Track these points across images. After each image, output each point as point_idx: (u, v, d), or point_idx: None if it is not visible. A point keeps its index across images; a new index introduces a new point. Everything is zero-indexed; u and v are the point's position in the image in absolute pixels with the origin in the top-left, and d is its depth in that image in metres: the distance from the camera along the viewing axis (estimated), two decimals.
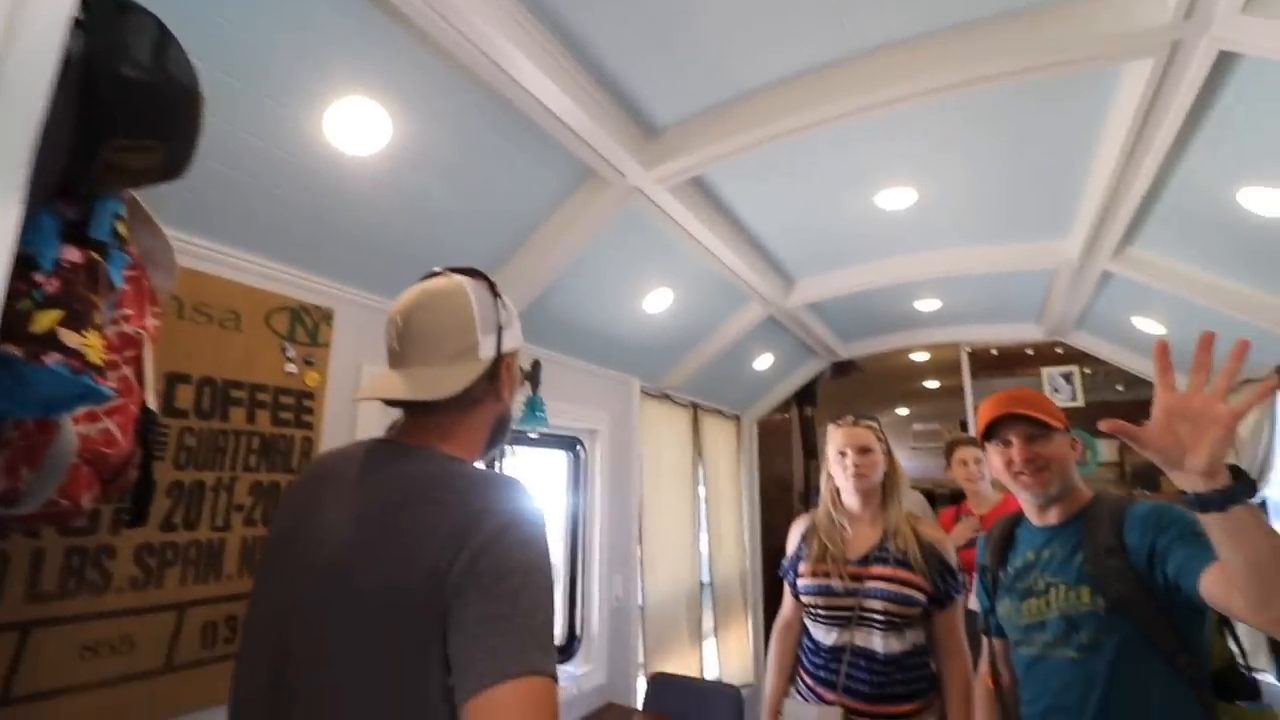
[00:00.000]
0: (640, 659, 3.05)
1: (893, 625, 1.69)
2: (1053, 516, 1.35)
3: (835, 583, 1.76)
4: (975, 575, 1.62)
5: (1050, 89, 1.66)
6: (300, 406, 1.59)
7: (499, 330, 0.92)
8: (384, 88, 1.37)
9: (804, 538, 1.92)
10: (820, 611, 1.78)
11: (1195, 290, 2.45)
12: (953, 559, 1.78)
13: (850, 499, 1.85)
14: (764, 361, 3.99)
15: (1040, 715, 1.28)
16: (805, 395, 4.92)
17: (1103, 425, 0.97)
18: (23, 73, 0.54)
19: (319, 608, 0.78)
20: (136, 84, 0.64)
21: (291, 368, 1.58)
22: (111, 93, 0.63)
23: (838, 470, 1.87)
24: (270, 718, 0.78)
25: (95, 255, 0.70)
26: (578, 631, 2.77)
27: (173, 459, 1.36)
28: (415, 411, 0.91)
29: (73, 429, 0.79)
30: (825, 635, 1.78)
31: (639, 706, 2.65)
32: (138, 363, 0.90)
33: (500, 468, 2.41)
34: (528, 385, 2.36)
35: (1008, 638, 1.41)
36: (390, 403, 0.90)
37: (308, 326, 1.63)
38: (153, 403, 0.93)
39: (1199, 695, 1.12)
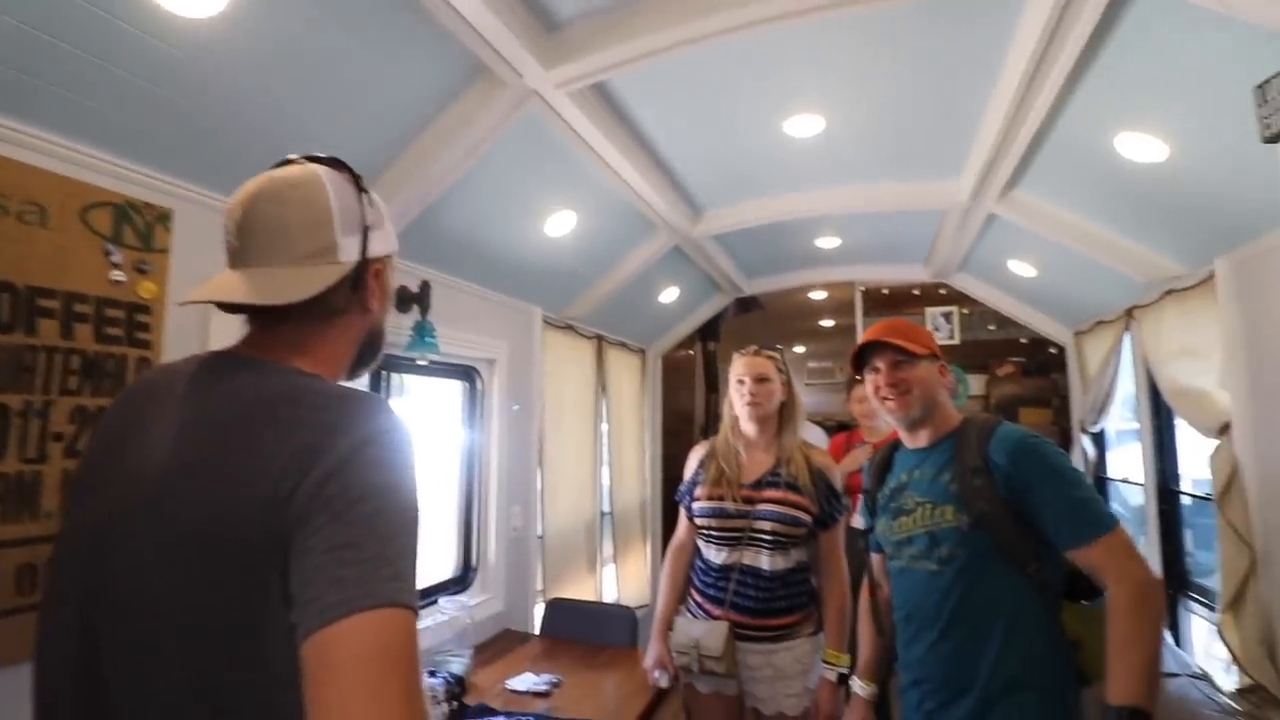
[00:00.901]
0: (540, 586, 3.07)
1: (779, 545, 1.77)
2: (922, 439, 1.41)
3: (729, 505, 1.82)
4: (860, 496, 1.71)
5: (955, 15, 1.64)
6: (132, 321, 1.36)
7: (364, 230, 0.79)
8: None
9: (702, 463, 1.95)
10: (713, 533, 1.84)
11: (1067, 234, 2.62)
12: (838, 483, 1.87)
13: (747, 425, 1.89)
14: (670, 295, 3.97)
15: (904, 620, 1.39)
16: (709, 331, 4.98)
17: None
18: None
19: (135, 545, 0.66)
20: None
21: (118, 275, 1.34)
22: None
23: (736, 397, 1.89)
24: (80, 675, 0.67)
25: None
26: (474, 562, 2.72)
27: None
28: (263, 322, 0.78)
29: None
30: (716, 555, 1.84)
31: (536, 632, 2.68)
32: None
33: (384, 397, 2.26)
34: (416, 308, 2.18)
35: (885, 552, 1.49)
36: (229, 309, 0.76)
37: (138, 227, 1.38)
38: None
39: (1045, 599, 1.22)
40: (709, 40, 1.62)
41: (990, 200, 2.59)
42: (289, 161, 0.81)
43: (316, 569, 0.59)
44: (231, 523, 0.62)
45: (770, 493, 1.80)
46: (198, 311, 1.43)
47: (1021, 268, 3.39)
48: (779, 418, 1.89)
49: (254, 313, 0.78)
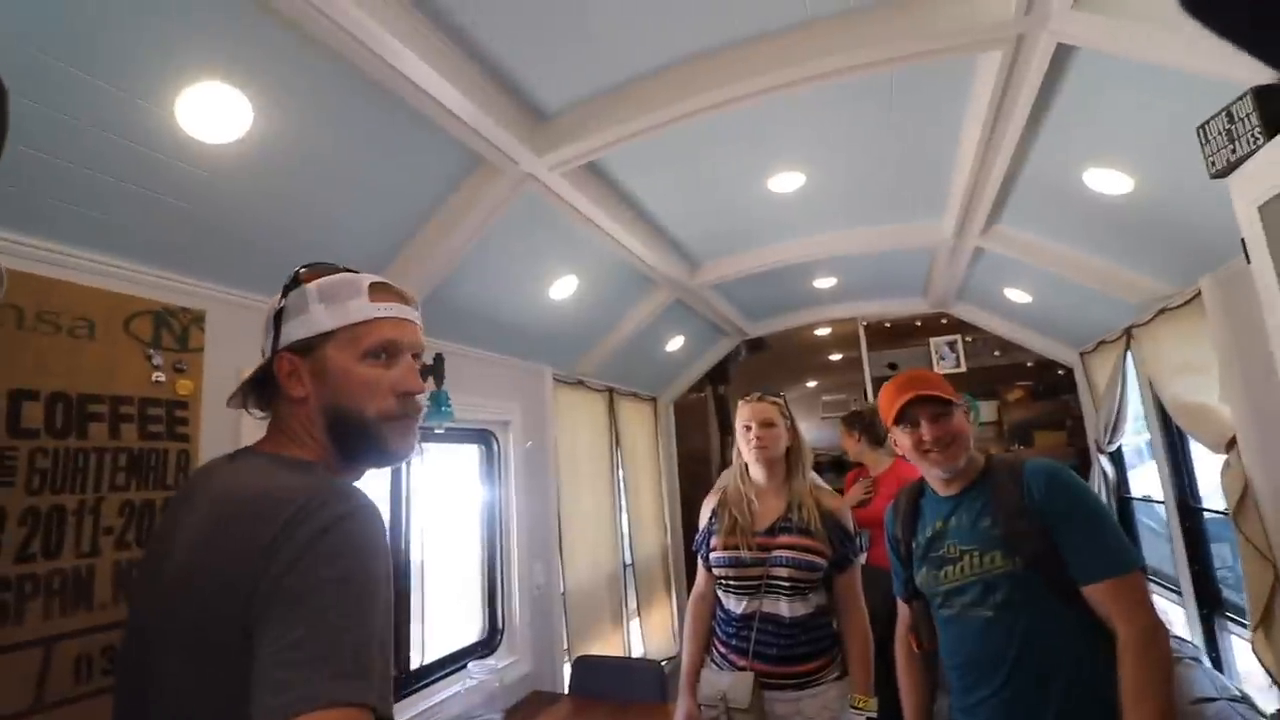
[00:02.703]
0: (565, 644, 3.08)
1: (798, 590, 1.79)
2: (955, 486, 1.43)
3: (744, 554, 1.84)
4: (884, 535, 1.71)
5: (916, 80, 1.77)
6: (172, 417, 1.48)
7: (276, 325, 0.84)
8: (241, 72, 1.28)
9: (715, 512, 1.99)
10: (731, 582, 1.86)
11: (1055, 263, 2.70)
12: (850, 524, 1.89)
13: (755, 471, 1.93)
14: (675, 343, 4.07)
15: (961, 667, 1.38)
16: (718, 373, 5.06)
17: None
18: None
19: (159, 635, 0.73)
20: None
21: (159, 376, 1.46)
22: None
23: (743, 444, 1.95)
24: None
25: None
26: (500, 624, 2.75)
27: (24, 484, 1.23)
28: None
29: None
30: (736, 604, 1.86)
31: (565, 691, 2.68)
32: None
33: (404, 469, 2.34)
34: (431, 380, 2.29)
35: (925, 599, 1.49)
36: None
37: (175, 331, 1.51)
38: None
39: (1094, 634, 1.22)
40: (689, 119, 1.76)
41: (974, 236, 2.69)
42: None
43: (261, 671, 0.58)
44: (213, 616, 0.66)
45: (784, 538, 1.82)
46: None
47: (1018, 295, 3.46)
48: (787, 462, 1.93)
49: (259, 409, 0.91)
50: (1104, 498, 3.52)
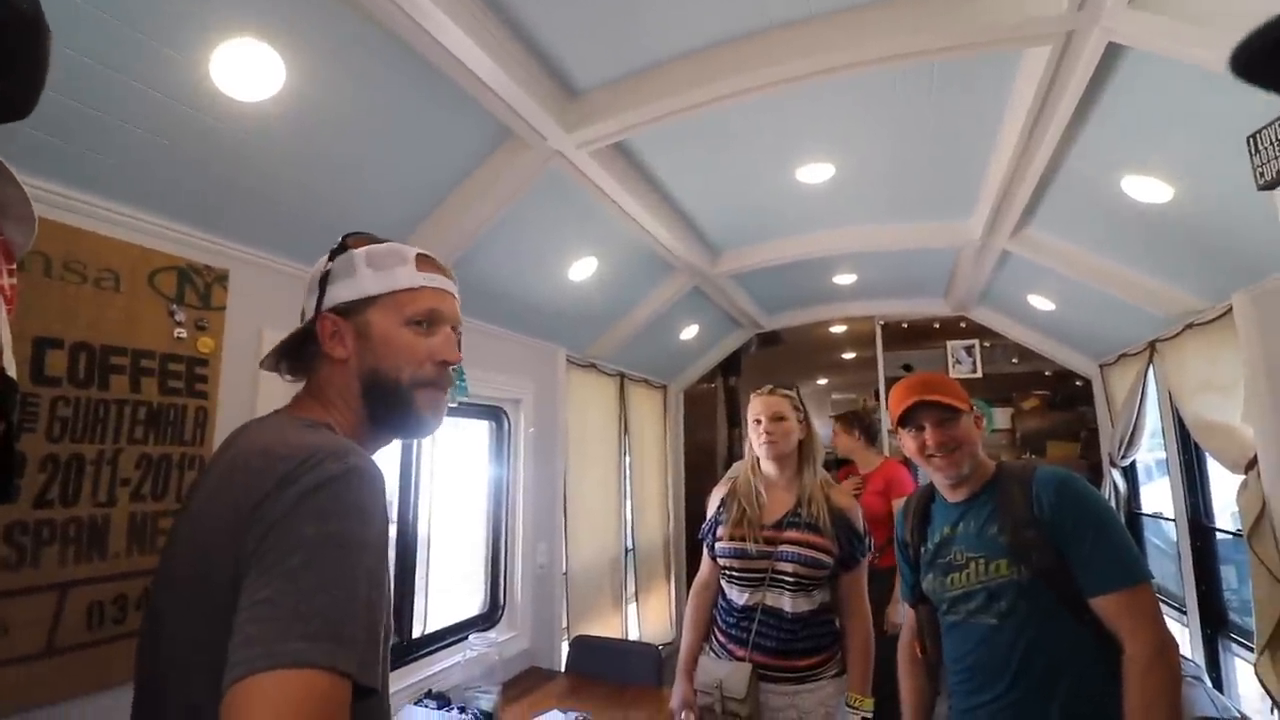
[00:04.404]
0: (564, 624, 3.10)
1: (801, 586, 1.78)
2: (962, 492, 1.42)
3: (750, 546, 1.83)
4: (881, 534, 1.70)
5: (958, 72, 1.73)
6: (192, 374, 1.48)
7: (321, 287, 0.85)
8: (276, 30, 1.26)
9: (723, 502, 1.98)
10: (735, 573, 1.85)
11: (1083, 271, 2.65)
12: (860, 524, 1.87)
13: (766, 465, 1.92)
14: (690, 332, 4.05)
15: (965, 671, 1.38)
16: (730, 365, 5.04)
17: None
18: None
19: (169, 587, 0.74)
20: None
21: (181, 332, 1.46)
22: None
23: (754, 437, 1.93)
24: (150, 695, 0.76)
25: None
26: (502, 599, 2.77)
27: (45, 430, 1.24)
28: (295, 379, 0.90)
29: None
30: (739, 596, 1.85)
31: (562, 669, 2.70)
32: None
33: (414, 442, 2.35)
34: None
35: (931, 604, 1.48)
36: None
37: (199, 288, 1.51)
38: (11, 369, 0.85)
39: (1111, 652, 1.20)
40: (722, 103, 1.73)
41: (1003, 239, 2.65)
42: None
43: (238, 625, 0.57)
44: (210, 571, 0.66)
45: (791, 533, 1.81)
46: (250, 364, 1.55)
47: (1041, 301, 3.41)
48: (798, 456, 1.92)
49: (290, 372, 0.91)
50: None
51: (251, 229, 1.63)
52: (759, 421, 1.91)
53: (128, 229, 1.40)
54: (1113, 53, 1.49)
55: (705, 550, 2.00)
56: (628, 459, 4.00)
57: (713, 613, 1.98)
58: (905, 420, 1.43)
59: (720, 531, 1.91)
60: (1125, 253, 2.46)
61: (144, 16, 1.13)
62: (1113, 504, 3.54)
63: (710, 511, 2.02)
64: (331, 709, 0.54)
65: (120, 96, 1.22)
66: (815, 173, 2.30)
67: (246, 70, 1.29)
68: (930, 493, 1.52)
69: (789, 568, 1.78)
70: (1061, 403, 4.11)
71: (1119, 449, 3.48)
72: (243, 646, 0.55)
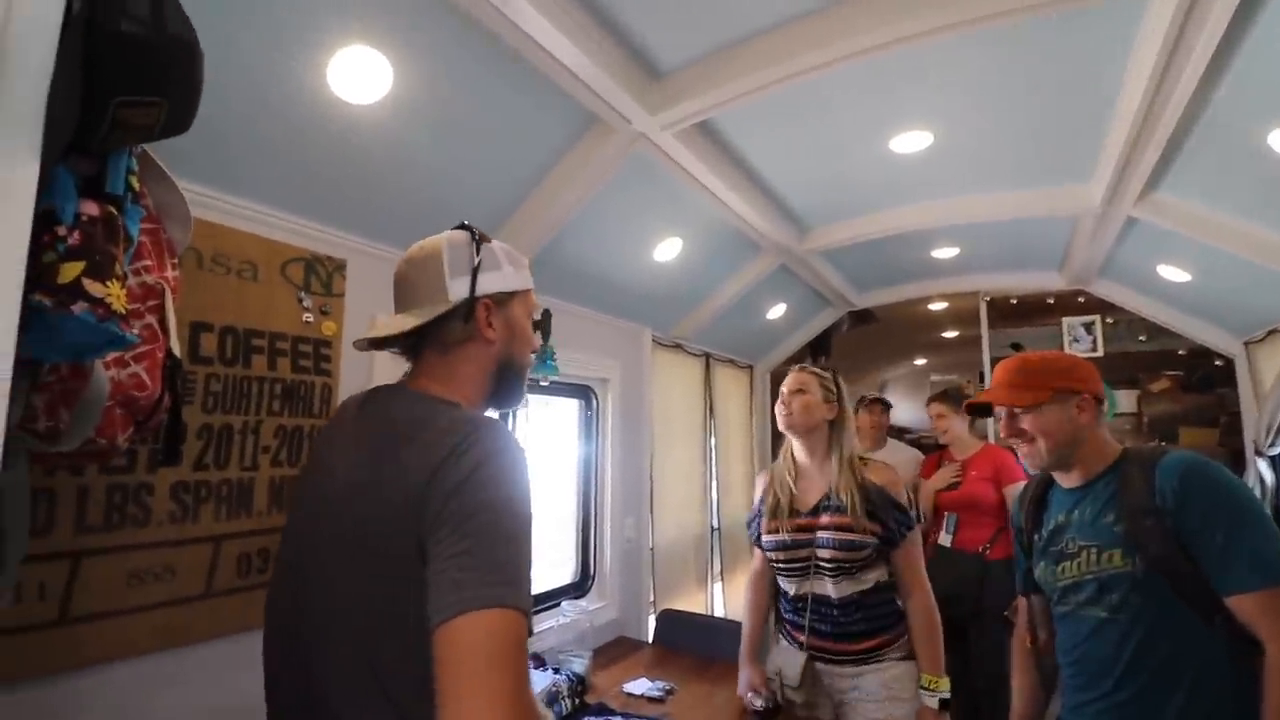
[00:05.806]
0: (651, 597, 3.19)
1: (843, 570, 1.74)
2: (1075, 478, 1.34)
3: (787, 537, 1.82)
4: (972, 519, 1.64)
5: (1073, 21, 1.59)
6: (318, 354, 1.65)
7: (474, 272, 0.93)
8: (384, 35, 1.36)
9: (764, 493, 1.96)
10: (781, 564, 1.85)
11: (1223, 238, 2.38)
12: (903, 498, 1.80)
13: (798, 450, 1.89)
14: (777, 311, 3.98)
15: (1073, 664, 1.32)
16: (820, 345, 4.91)
17: None
18: (29, 32, 0.56)
19: (326, 542, 0.85)
20: (135, 40, 0.66)
21: (308, 317, 1.63)
22: (112, 50, 0.65)
23: (777, 411, 1.92)
24: (290, 637, 0.88)
25: (111, 209, 0.74)
26: (592, 570, 2.89)
27: (200, 403, 1.43)
28: (411, 356, 0.99)
29: (104, 373, 0.85)
30: (789, 585, 1.86)
31: (649, 640, 2.79)
32: (160, 311, 0.95)
33: (511, 418, 2.48)
34: (539, 335, 2.39)
35: (1044, 595, 1.42)
36: (378, 345, 0.98)
37: (322, 277, 1.67)
38: (177, 349, 0.99)
39: (1238, 656, 1.11)
40: (809, 74, 1.68)
41: (1127, 204, 2.41)
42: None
43: (440, 573, 0.71)
44: (384, 528, 0.78)
45: (825, 518, 1.77)
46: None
47: (1173, 272, 3.08)
48: (828, 438, 1.86)
49: (402, 348, 0.98)
50: None
51: (363, 222, 1.77)
52: (782, 398, 1.90)
53: (263, 225, 1.57)
54: None
55: (750, 542, 2.01)
56: (713, 439, 4.02)
57: (769, 599, 2.01)
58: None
59: (763, 524, 1.90)
60: (1273, 216, 2.18)
61: (271, 33, 1.25)
62: (1257, 496, 3.18)
63: (755, 500, 2.01)
64: (523, 639, 0.69)
65: (255, 107, 1.36)
66: (911, 141, 2.19)
67: (359, 75, 1.40)
68: (1048, 478, 1.45)
69: (827, 554, 1.74)
70: (1197, 384, 3.71)
71: (1266, 436, 3.10)
72: (451, 590, 0.68)
